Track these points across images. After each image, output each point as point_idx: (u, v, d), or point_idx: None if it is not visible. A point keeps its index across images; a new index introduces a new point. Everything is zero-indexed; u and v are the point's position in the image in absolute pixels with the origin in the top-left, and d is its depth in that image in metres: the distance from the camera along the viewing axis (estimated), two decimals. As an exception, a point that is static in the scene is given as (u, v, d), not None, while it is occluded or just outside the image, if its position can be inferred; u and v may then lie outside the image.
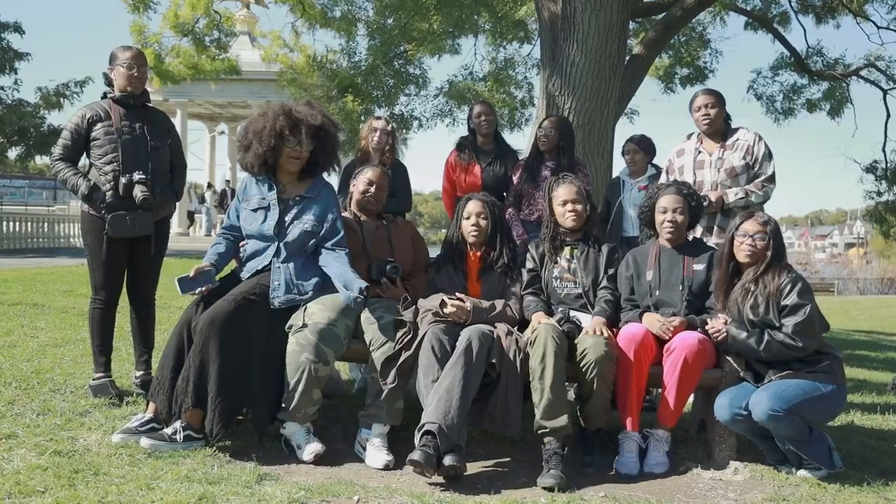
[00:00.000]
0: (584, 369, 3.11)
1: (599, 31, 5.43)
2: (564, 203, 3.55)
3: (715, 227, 3.86)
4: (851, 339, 11.33)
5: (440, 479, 2.86)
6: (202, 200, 24.82)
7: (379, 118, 4.72)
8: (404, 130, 10.88)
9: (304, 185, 3.47)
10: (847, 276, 38.74)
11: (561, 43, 5.60)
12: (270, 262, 3.33)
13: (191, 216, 23.98)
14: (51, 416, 3.29)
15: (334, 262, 3.29)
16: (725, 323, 3.16)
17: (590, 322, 3.28)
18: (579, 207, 3.54)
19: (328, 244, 3.37)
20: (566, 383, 3.37)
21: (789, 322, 3.03)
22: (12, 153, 17.98)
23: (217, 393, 2.99)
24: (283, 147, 3.34)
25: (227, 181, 24.30)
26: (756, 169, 3.88)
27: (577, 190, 3.55)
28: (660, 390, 3.33)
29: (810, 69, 10.83)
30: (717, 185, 3.87)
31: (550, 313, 3.38)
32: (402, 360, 3.14)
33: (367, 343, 3.26)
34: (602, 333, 3.16)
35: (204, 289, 3.25)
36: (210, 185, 25.23)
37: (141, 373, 3.81)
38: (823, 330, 3.14)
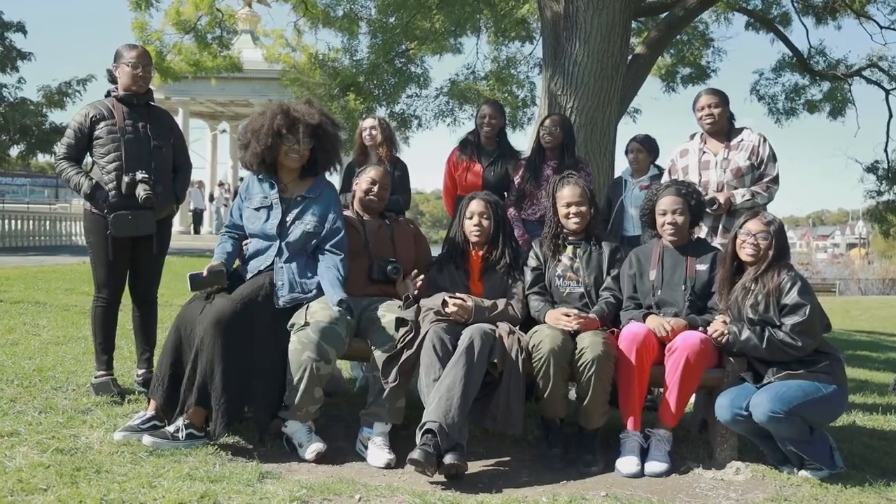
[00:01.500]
0: (581, 368, 3.11)
1: (602, 30, 5.42)
2: (568, 205, 3.53)
3: (720, 228, 3.85)
4: (853, 340, 11.32)
5: (441, 478, 2.87)
6: (211, 199, 24.77)
7: (366, 118, 4.83)
8: (405, 129, 10.89)
9: (306, 184, 3.47)
10: (849, 276, 38.64)
11: (563, 42, 5.59)
12: (273, 261, 3.34)
13: (198, 215, 23.90)
14: (53, 413, 3.29)
15: (325, 273, 3.29)
16: (725, 323, 3.15)
17: None
18: (583, 209, 3.53)
19: (327, 245, 3.37)
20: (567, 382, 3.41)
21: (789, 321, 3.03)
22: (14, 151, 17.97)
23: (222, 392, 3.00)
24: (280, 146, 3.35)
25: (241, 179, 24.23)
26: (761, 170, 3.88)
27: (581, 192, 3.54)
28: (661, 390, 3.33)
29: (813, 69, 10.81)
30: (724, 186, 3.87)
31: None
32: (403, 358, 3.14)
33: (369, 342, 3.27)
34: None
35: (213, 288, 3.26)
36: (222, 183, 25.12)
37: (143, 371, 3.81)
38: (825, 330, 3.13)
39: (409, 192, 4.70)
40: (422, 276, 3.56)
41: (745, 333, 3.08)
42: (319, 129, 3.40)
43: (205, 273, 3.25)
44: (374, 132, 4.62)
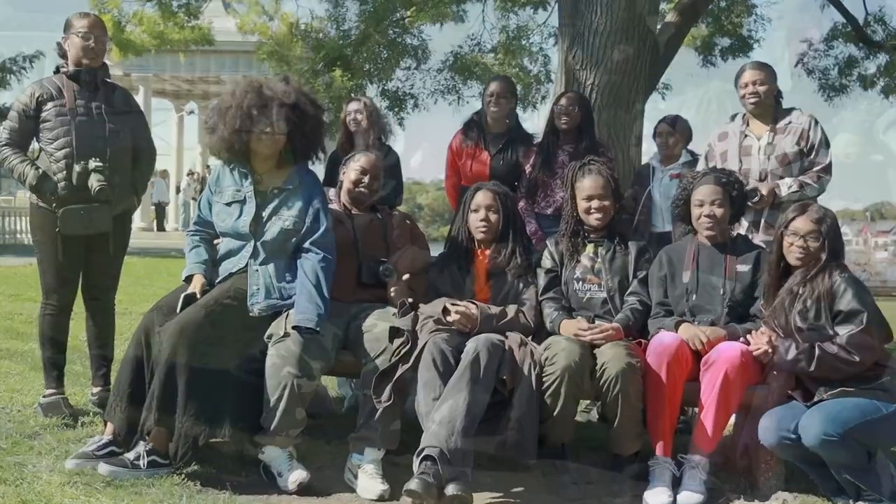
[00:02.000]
0: (604, 387, 3.11)
1: (627, -7, 5.42)
2: (590, 198, 3.51)
3: (762, 223, 3.85)
4: (918, 351, 11.30)
5: (442, 512, 2.86)
6: (177, 190, 24.78)
7: (351, 100, 4.90)
8: (399, 111, 10.89)
9: (283, 174, 3.47)
10: (915, 279, 38.53)
11: (582, 8, 5.58)
12: (247, 263, 3.34)
13: (162, 209, 23.92)
14: (-5, 438, 3.30)
15: (301, 283, 3.27)
16: (770, 341, 3.13)
17: None
18: (606, 203, 3.52)
19: (307, 242, 3.36)
20: (587, 402, 3.40)
21: (844, 331, 3.02)
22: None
23: (184, 411, 2.99)
24: (251, 129, 3.34)
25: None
26: (811, 157, 3.87)
27: (604, 183, 3.52)
28: (696, 410, 3.33)
29: (870, 39, 10.78)
30: (767, 175, 3.86)
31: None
32: (398, 374, 3.14)
33: (359, 355, 3.27)
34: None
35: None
36: (191, 173, 25.13)
37: (98, 389, 3.82)
38: (886, 340, 3.13)
39: (401, 185, 4.71)
40: (406, 277, 3.55)
41: (792, 353, 3.06)
42: (297, 109, 3.39)
43: (198, 295, 3.25)
44: (359, 116, 4.62)
